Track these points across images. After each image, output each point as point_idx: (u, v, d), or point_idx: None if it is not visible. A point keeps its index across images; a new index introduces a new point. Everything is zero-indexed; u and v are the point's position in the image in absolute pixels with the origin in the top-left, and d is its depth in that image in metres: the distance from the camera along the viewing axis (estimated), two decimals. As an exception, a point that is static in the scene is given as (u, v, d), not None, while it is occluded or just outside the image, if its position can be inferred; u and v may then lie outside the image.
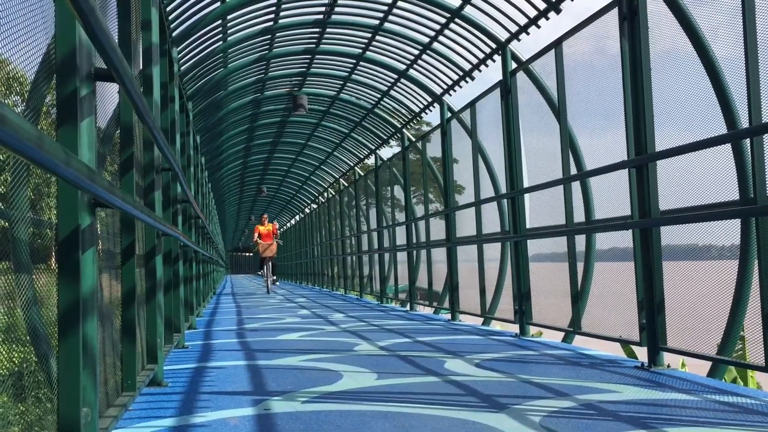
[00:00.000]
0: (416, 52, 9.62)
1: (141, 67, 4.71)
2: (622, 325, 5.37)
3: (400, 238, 12.73)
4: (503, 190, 7.66)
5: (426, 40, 9.12)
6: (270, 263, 16.58)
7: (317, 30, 9.97)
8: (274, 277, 17.62)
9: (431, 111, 10.81)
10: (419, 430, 2.99)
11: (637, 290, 4.93)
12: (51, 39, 2.36)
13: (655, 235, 4.70)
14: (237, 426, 3.13)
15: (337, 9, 9.30)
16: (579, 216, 6.11)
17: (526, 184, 6.98)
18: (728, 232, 4.43)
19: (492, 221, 8.33)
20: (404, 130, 12.06)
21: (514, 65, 7.24)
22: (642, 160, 4.68)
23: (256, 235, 16.68)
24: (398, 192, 13.08)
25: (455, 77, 9.22)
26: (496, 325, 8.75)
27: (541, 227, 6.82)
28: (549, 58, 6.31)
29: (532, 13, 6.76)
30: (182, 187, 6.16)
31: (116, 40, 3.37)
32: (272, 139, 16.74)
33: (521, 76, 7.06)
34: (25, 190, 2.26)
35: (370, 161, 15.22)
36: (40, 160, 1.41)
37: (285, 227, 34.60)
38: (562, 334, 6.53)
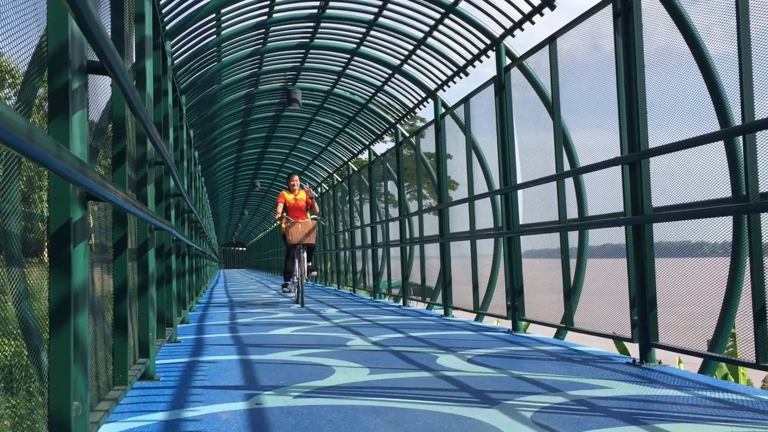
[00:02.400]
0: (410, 47, 9.61)
1: (134, 61, 4.70)
2: (614, 321, 5.39)
3: (394, 234, 12.73)
4: (497, 186, 7.67)
5: (420, 35, 9.12)
6: (304, 254, 10.40)
7: (311, 24, 9.95)
8: (312, 269, 10.89)
9: (425, 106, 10.81)
10: (411, 425, 2.99)
11: (629, 287, 4.95)
12: (43, 31, 2.35)
13: (647, 232, 4.71)
14: (229, 420, 3.13)
15: (331, 3, 9.29)
16: (572, 212, 6.12)
17: (519, 180, 6.98)
18: (720, 229, 4.44)
19: (485, 217, 8.34)
20: (398, 125, 12.05)
21: (508, 61, 7.24)
22: (635, 157, 4.69)
23: (279, 208, 10.49)
24: (392, 187, 13.08)
25: (449, 73, 9.22)
26: (488, 321, 8.76)
27: (534, 223, 6.83)
28: (543, 54, 6.31)
29: (527, 9, 6.76)
30: (175, 181, 6.15)
31: (109, 33, 3.36)
32: (266, 134, 16.71)
33: (515, 73, 7.06)
34: (17, 182, 2.25)
35: (364, 156, 15.20)
36: (32, 153, 1.41)
37: (278, 222, 34.20)
38: (555, 330, 6.55)
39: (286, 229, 10.43)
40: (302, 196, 10.68)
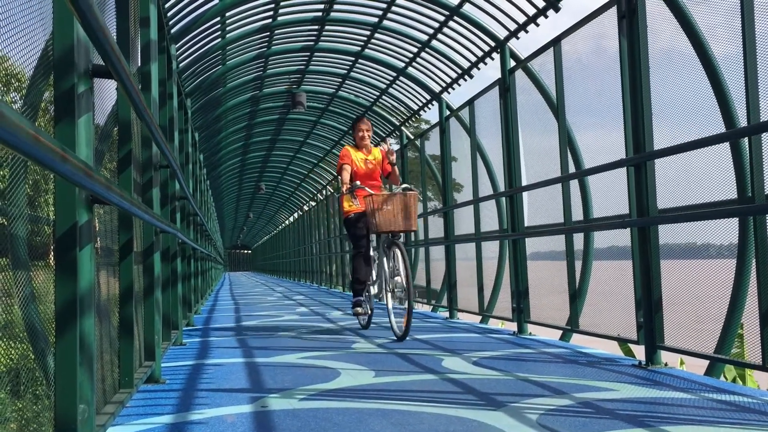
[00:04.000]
0: (415, 49, 9.62)
1: (139, 64, 4.71)
2: (620, 323, 5.38)
3: (399, 236, 12.71)
4: (502, 188, 7.67)
5: (425, 37, 9.12)
6: (394, 251, 6.23)
7: (316, 27, 9.96)
8: (400, 283, 6.18)
9: (430, 109, 10.81)
10: (417, 428, 2.99)
11: (634, 289, 4.93)
12: (49, 36, 2.36)
13: (653, 234, 4.70)
14: (234, 423, 3.13)
15: (336, 6, 9.30)
16: (577, 214, 6.11)
17: (524, 183, 6.98)
18: (726, 230, 4.43)
19: (490, 219, 8.34)
20: (403, 127, 12.06)
21: (512, 63, 7.24)
22: (640, 159, 4.68)
23: (346, 174, 6.63)
24: (397, 190, 13.06)
25: (454, 75, 9.22)
26: (494, 323, 8.75)
27: (539, 225, 6.82)
28: (548, 56, 6.31)
29: (531, 11, 6.76)
30: (180, 184, 6.16)
31: (114, 37, 3.37)
32: (271, 137, 16.73)
33: (520, 75, 7.06)
34: (23, 186, 2.26)
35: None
36: (38, 157, 1.41)
37: (283, 225, 34.24)
38: (560, 332, 6.54)
39: (365, 205, 6.29)
40: (377, 156, 6.80)
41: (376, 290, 6.60)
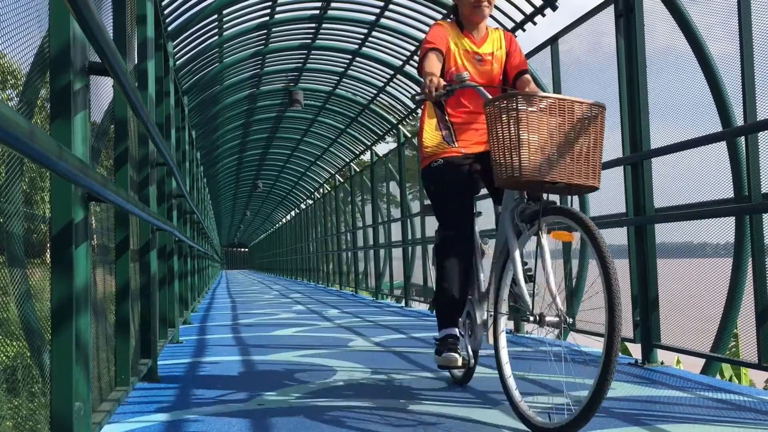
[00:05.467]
0: (412, 48, 9.61)
1: (136, 62, 4.70)
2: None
3: (396, 234, 12.73)
4: (498, 186, 7.67)
5: (422, 36, 9.12)
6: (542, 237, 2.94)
7: (313, 25, 9.95)
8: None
9: (427, 107, 10.79)
10: (413, 426, 2.99)
11: (631, 287, 4.94)
12: (45, 33, 2.36)
13: (649, 233, 4.70)
14: (231, 421, 3.13)
15: (333, 4, 9.29)
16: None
17: (521, 181, 6.97)
18: (723, 229, 4.44)
19: (487, 218, 8.33)
20: (400, 126, 12.05)
21: (510, 62, 7.23)
22: (636, 158, 4.69)
23: (433, 66, 3.19)
24: (394, 188, 13.07)
25: (451, 73, 9.22)
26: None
27: (536, 224, 6.81)
28: (545, 54, 6.31)
29: (529, 9, 6.76)
30: (177, 182, 6.15)
31: (111, 34, 3.37)
32: (268, 135, 16.72)
33: (517, 73, 7.05)
34: (19, 183, 2.25)
35: (366, 157, 15.20)
36: (33, 154, 1.41)
37: (280, 223, 34.20)
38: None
39: (458, 129, 3.41)
40: (498, 47, 3.59)
41: (485, 315, 3.46)
